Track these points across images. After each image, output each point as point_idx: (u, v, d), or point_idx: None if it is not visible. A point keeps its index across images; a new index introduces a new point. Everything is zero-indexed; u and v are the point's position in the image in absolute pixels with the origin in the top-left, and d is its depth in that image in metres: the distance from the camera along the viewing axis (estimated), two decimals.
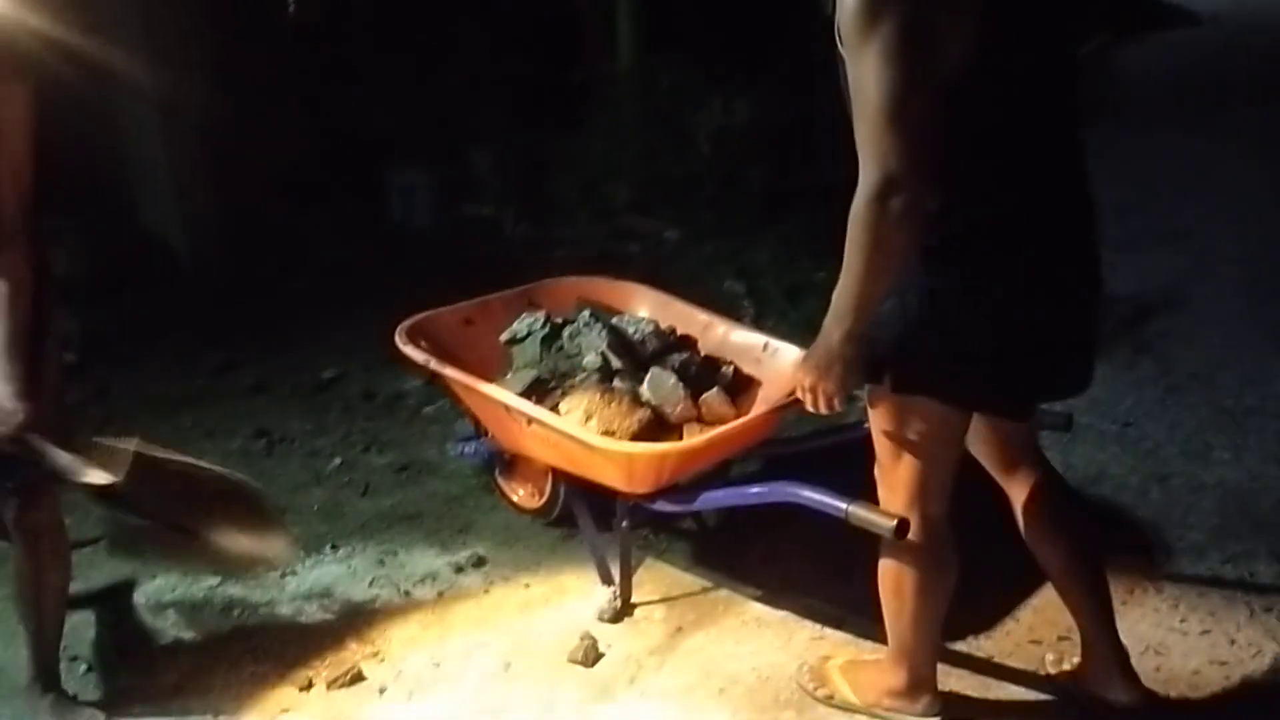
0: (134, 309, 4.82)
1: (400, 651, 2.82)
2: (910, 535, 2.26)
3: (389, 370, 4.14)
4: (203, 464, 2.52)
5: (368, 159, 5.86)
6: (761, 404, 3.05)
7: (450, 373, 3.02)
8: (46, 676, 2.58)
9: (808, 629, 2.86)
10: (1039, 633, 2.76)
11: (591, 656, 2.76)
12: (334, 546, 3.28)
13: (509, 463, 3.38)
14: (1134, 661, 2.65)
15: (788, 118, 5.98)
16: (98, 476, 2.21)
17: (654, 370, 3.10)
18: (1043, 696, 2.58)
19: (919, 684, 2.48)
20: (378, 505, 3.50)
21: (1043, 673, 2.65)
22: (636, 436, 2.84)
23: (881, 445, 2.26)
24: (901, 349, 2.07)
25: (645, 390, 3.03)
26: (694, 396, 3.05)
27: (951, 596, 2.39)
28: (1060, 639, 2.70)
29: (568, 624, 2.90)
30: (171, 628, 2.93)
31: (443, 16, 5.97)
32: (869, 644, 2.74)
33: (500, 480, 3.43)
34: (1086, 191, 2.11)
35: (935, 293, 2.02)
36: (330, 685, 2.70)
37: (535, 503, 3.32)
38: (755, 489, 2.73)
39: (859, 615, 2.82)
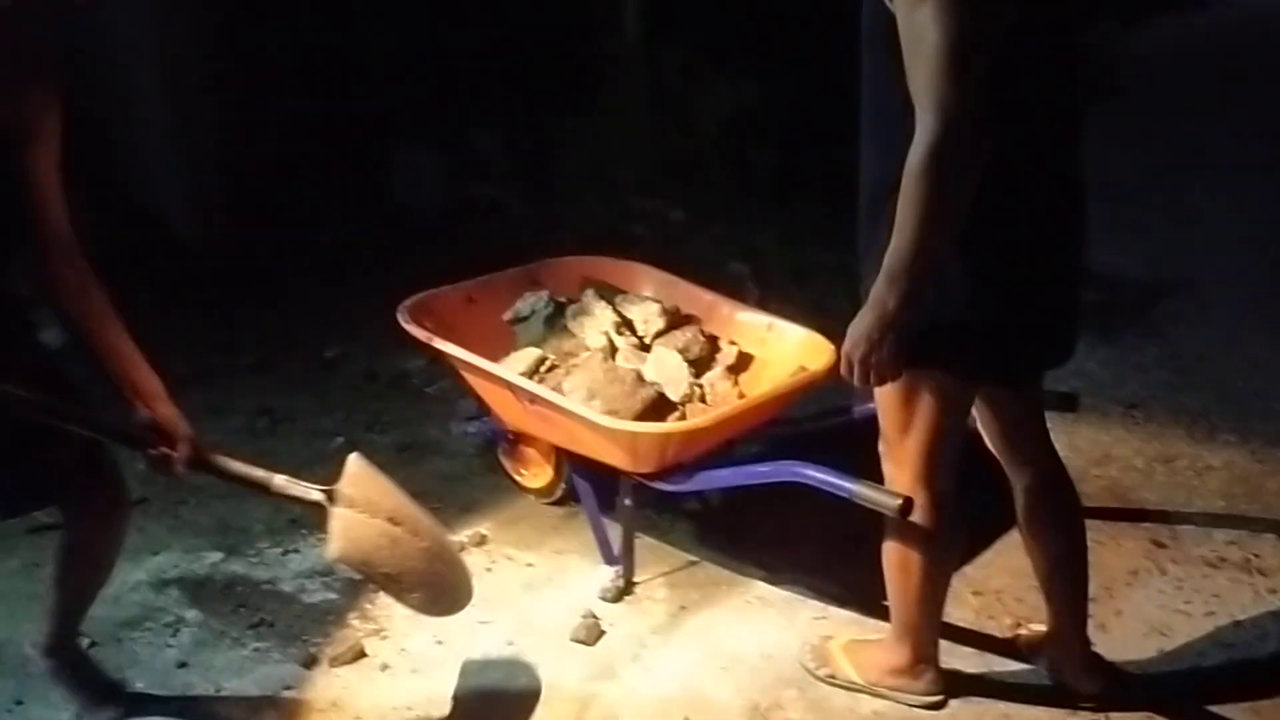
0: (136, 287, 4.80)
1: (403, 629, 2.82)
2: (917, 511, 2.26)
3: (392, 349, 4.13)
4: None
5: (372, 137, 5.84)
6: (766, 384, 3.04)
7: (453, 352, 3.01)
8: (62, 645, 2.54)
9: (810, 608, 2.86)
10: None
11: (594, 635, 2.76)
12: None
13: (512, 442, 3.37)
14: (1137, 643, 2.66)
15: (795, 99, 5.95)
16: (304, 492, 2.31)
17: (658, 350, 3.09)
18: (1044, 678, 2.58)
19: (921, 662, 2.48)
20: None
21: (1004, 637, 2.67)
22: (640, 416, 2.83)
23: (888, 421, 2.25)
24: (910, 324, 2.06)
25: (649, 370, 3.02)
26: (698, 377, 3.04)
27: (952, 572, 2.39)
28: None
29: (571, 603, 2.90)
30: (174, 604, 2.93)
31: None
32: (871, 623, 2.75)
33: (503, 459, 3.43)
34: (1080, 168, 2.10)
35: (944, 265, 2.00)
36: (333, 662, 2.70)
37: (538, 482, 3.31)
38: (759, 469, 2.72)
39: (861, 595, 2.82)
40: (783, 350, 3.11)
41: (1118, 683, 2.51)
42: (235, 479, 2.32)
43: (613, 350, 3.08)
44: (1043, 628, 2.59)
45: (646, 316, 3.18)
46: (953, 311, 2.04)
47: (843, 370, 2.07)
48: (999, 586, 2.90)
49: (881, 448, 2.31)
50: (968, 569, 2.59)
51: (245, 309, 4.73)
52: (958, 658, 2.63)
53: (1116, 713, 2.48)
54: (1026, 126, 1.95)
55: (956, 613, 2.63)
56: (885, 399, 2.21)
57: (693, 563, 3.06)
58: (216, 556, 3.11)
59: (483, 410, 3.32)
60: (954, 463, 2.28)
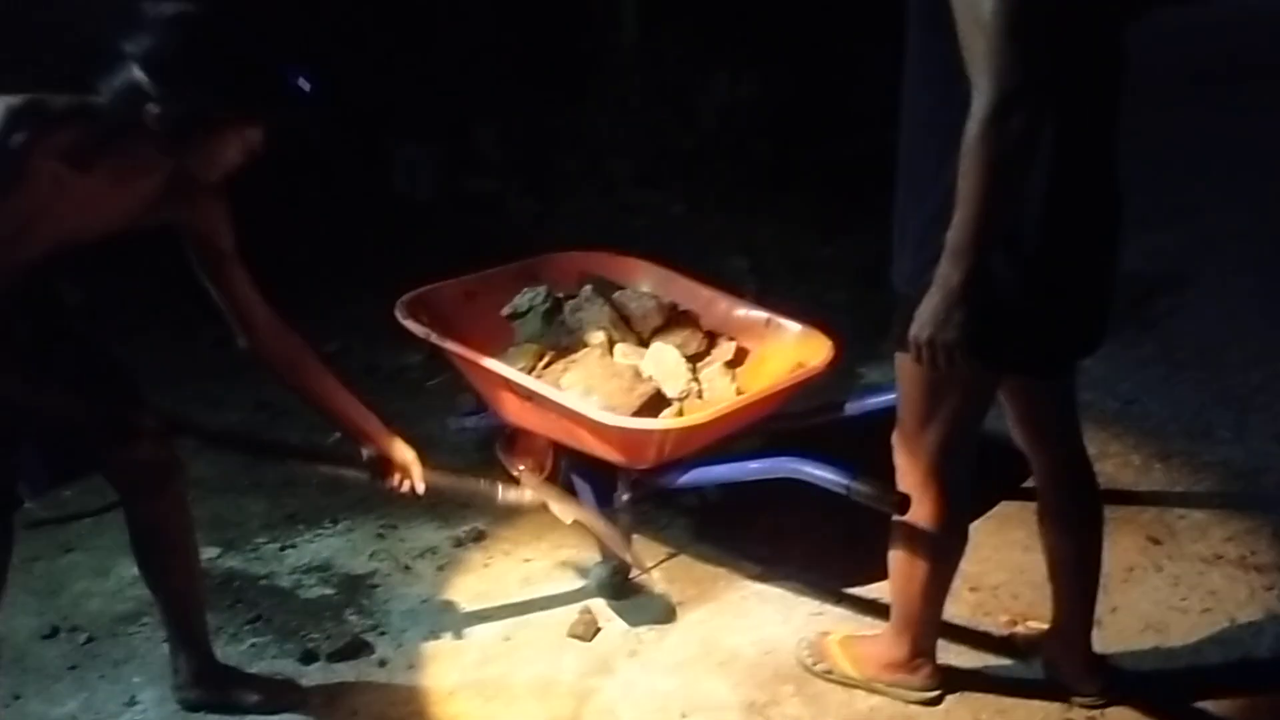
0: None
1: (400, 624, 2.83)
2: (927, 504, 2.26)
3: (391, 344, 4.13)
4: None
5: (370, 131, 5.83)
6: (764, 380, 3.04)
7: (452, 347, 3.01)
8: (200, 665, 2.53)
9: (807, 604, 2.86)
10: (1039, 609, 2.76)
11: (591, 631, 2.76)
12: (334, 520, 3.28)
13: (510, 437, 3.37)
14: (1134, 639, 2.67)
15: (794, 92, 5.95)
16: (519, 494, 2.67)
17: (656, 345, 3.09)
18: (1041, 675, 2.58)
19: (919, 657, 2.48)
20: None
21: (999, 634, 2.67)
22: (638, 412, 2.83)
23: (910, 411, 2.23)
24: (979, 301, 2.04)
25: (647, 365, 3.02)
26: (696, 372, 3.04)
27: (956, 566, 2.39)
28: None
29: (568, 598, 2.90)
30: None
31: None
32: (868, 619, 2.75)
33: (501, 455, 3.42)
34: (1117, 160, 2.09)
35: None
36: (330, 657, 2.71)
37: (537, 477, 3.31)
38: (756, 464, 2.72)
39: (859, 591, 2.83)
40: (781, 346, 3.10)
41: (1115, 682, 2.51)
42: (460, 491, 2.69)
43: (611, 346, 3.08)
44: (1042, 625, 2.60)
45: (645, 312, 3.17)
46: (992, 304, 2.02)
47: (913, 355, 2.03)
48: (995, 583, 2.91)
49: (896, 438, 2.30)
50: (965, 565, 2.58)
51: None
52: (954, 654, 2.63)
53: (1112, 709, 2.48)
54: (1071, 113, 1.94)
55: (953, 609, 2.63)
56: (911, 389, 2.20)
57: (690, 558, 3.06)
58: (214, 552, 3.11)
59: (481, 405, 3.32)
60: (969, 457, 2.28)
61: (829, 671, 2.59)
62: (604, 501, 3.00)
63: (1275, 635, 2.71)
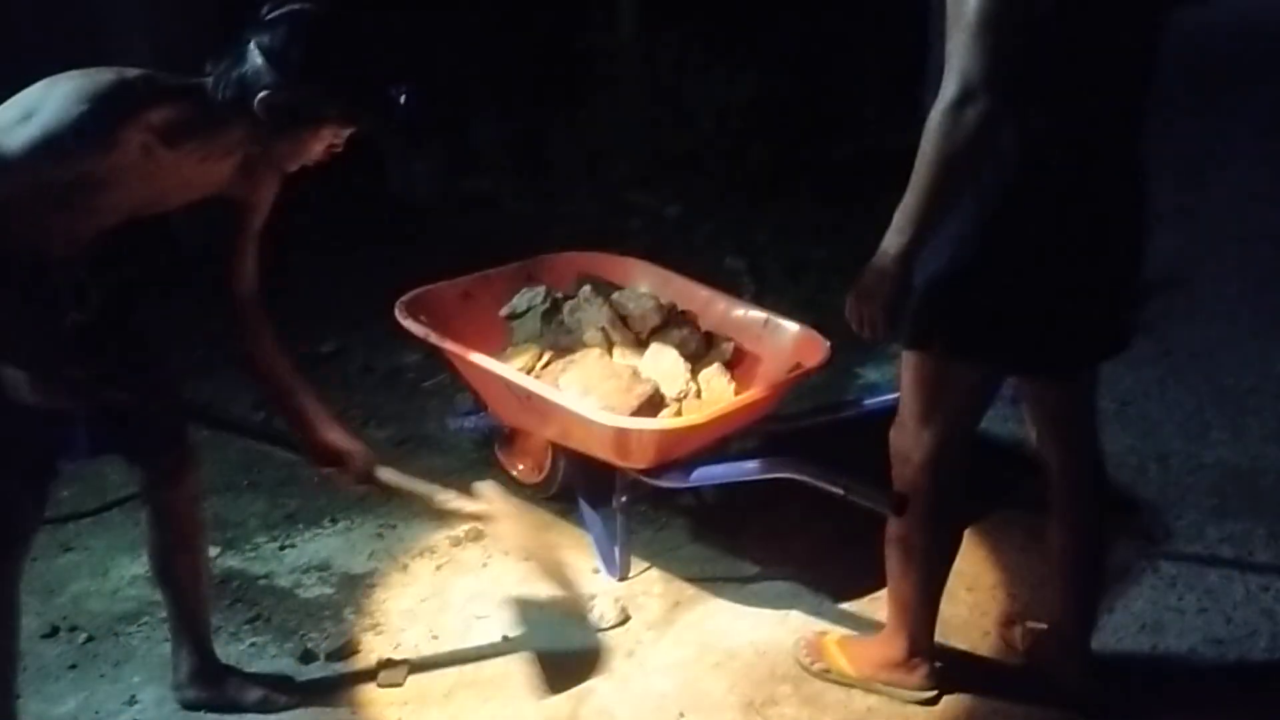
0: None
1: (399, 624, 2.83)
2: (921, 500, 2.26)
3: (388, 344, 4.14)
4: None
5: (378, 143, 5.83)
6: (762, 380, 3.05)
7: (450, 347, 3.02)
8: (200, 663, 2.55)
9: (805, 604, 2.87)
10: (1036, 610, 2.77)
11: (402, 676, 2.67)
12: (333, 519, 3.28)
13: (508, 437, 3.38)
14: (1130, 640, 2.68)
15: (791, 93, 5.95)
16: (465, 504, 2.49)
17: (654, 346, 3.10)
18: (1038, 675, 2.59)
19: (916, 656, 2.49)
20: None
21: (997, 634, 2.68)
22: (636, 412, 2.84)
23: (911, 406, 2.25)
24: (953, 313, 2.06)
25: (645, 366, 3.03)
26: (694, 372, 3.05)
27: (951, 564, 2.40)
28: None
29: (565, 598, 2.91)
30: None
31: None
32: (866, 618, 2.76)
33: (500, 455, 3.43)
34: (1141, 163, 2.10)
35: (990, 253, 2.02)
36: (329, 657, 2.71)
37: (534, 477, 3.32)
38: (754, 464, 2.73)
39: (856, 591, 2.83)
40: (778, 346, 3.11)
41: (1111, 682, 2.52)
42: (404, 493, 2.56)
43: (609, 346, 3.09)
44: (1041, 625, 2.60)
45: (643, 312, 3.18)
46: (990, 299, 2.05)
47: (846, 317, 2.09)
48: (993, 583, 2.91)
49: (893, 433, 2.31)
50: (962, 565, 2.59)
51: None
52: (951, 654, 2.64)
53: (1109, 709, 2.49)
54: (1073, 112, 1.96)
55: (950, 609, 2.64)
56: (913, 385, 2.22)
57: (687, 558, 3.07)
58: (213, 551, 3.10)
59: (479, 405, 3.33)
60: (965, 456, 2.29)
61: (826, 671, 2.60)
62: (602, 501, 3.01)
63: (1271, 636, 2.72)
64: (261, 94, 1.93)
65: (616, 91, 6.00)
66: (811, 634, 2.70)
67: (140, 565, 3.06)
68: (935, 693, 2.52)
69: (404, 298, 3.18)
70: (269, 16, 1.95)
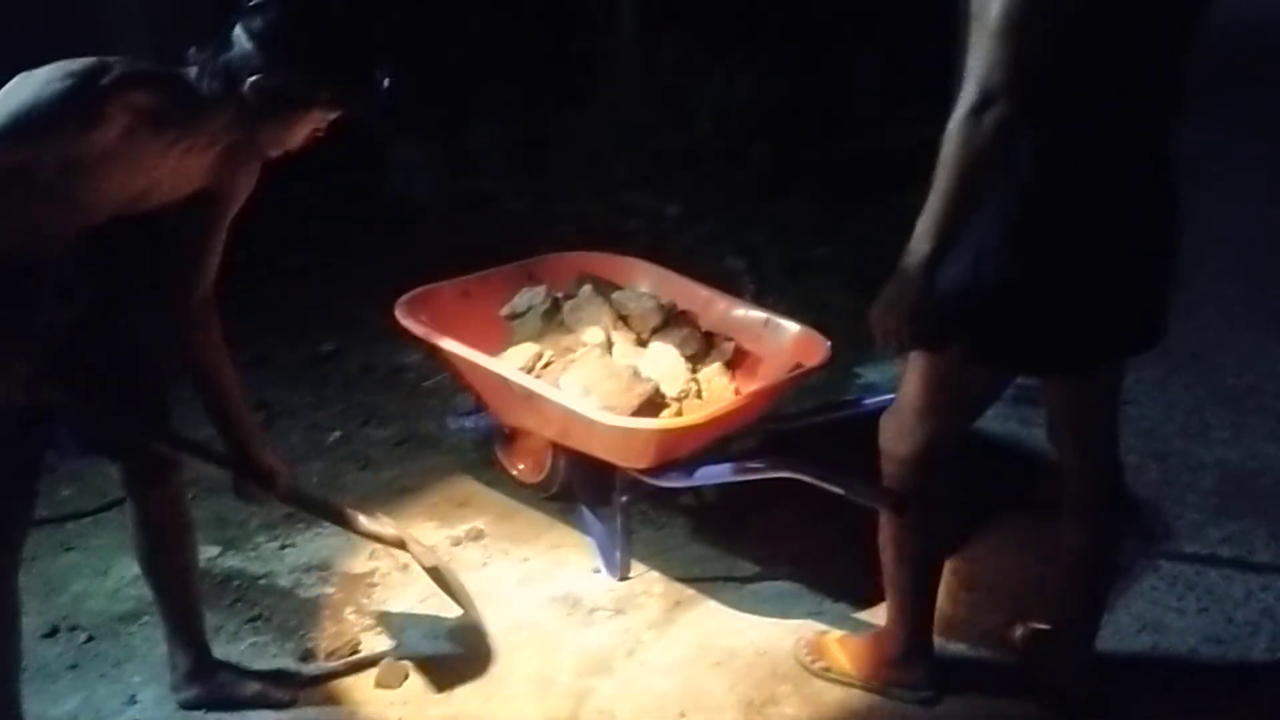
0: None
1: (399, 624, 2.83)
2: (914, 494, 2.26)
3: (388, 344, 4.13)
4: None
5: (366, 131, 5.83)
6: (762, 380, 3.05)
7: (450, 347, 3.01)
8: (196, 662, 2.55)
9: (805, 603, 2.87)
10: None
11: (400, 678, 2.67)
12: None
13: (508, 437, 3.38)
14: (1130, 639, 2.68)
15: (791, 93, 5.95)
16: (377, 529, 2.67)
17: (654, 345, 3.10)
18: (1038, 675, 2.58)
19: (916, 654, 2.49)
20: (377, 478, 3.51)
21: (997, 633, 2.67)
22: (636, 412, 2.84)
23: (911, 404, 2.24)
24: (974, 316, 2.05)
25: (646, 366, 3.03)
26: (694, 372, 3.05)
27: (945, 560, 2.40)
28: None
29: (565, 598, 2.91)
30: None
31: None
32: (866, 617, 2.76)
33: (500, 454, 3.43)
34: (1169, 169, 2.09)
35: (1014, 256, 2.00)
36: (329, 656, 2.71)
37: (534, 477, 3.32)
38: (754, 464, 2.73)
39: (856, 590, 2.83)
40: (779, 346, 3.11)
41: (1111, 682, 2.52)
42: (321, 514, 2.75)
43: (609, 346, 3.09)
44: (1040, 625, 2.60)
45: (643, 312, 3.18)
46: (1013, 303, 2.04)
47: (870, 329, 2.07)
48: (993, 582, 2.90)
49: (885, 420, 2.31)
50: (962, 565, 2.60)
51: (241, 303, 4.70)
52: (952, 653, 2.64)
53: (1109, 710, 2.49)
54: (1107, 117, 1.95)
55: (950, 609, 2.64)
56: (921, 381, 2.20)
57: (688, 558, 3.07)
58: (214, 551, 3.11)
59: (479, 405, 3.33)
60: (956, 452, 2.29)
61: (826, 670, 2.60)
62: (602, 501, 3.01)
63: (1272, 635, 2.72)
64: (252, 77, 1.93)
65: (617, 91, 6.00)
66: (812, 633, 2.70)
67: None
68: (935, 692, 2.52)
69: (404, 297, 3.18)
70: (255, 1, 1.96)
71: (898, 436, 2.28)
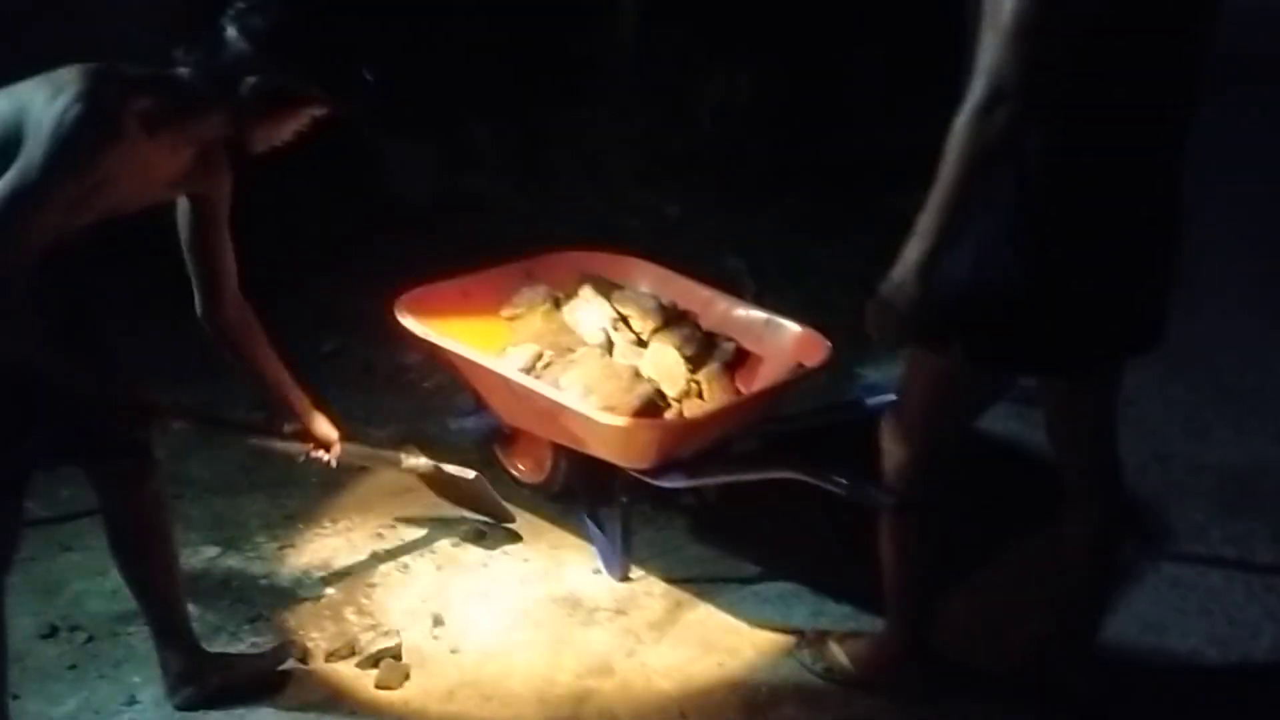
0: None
1: (399, 624, 2.82)
2: (915, 494, 2.26)
3: (389, 344, 4.12)
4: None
5: (365, 130, 5.82)
6: (762, 380, 3.04)
7: (450, 347, 3.01)
8: (187, 661, 2.53)
9: (806, 603, 2.86)
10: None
11: (400, 678, 2.66)
12: (333, 519, 3.27)
13: (509, 437, 3.37)
14: (1132, 640, 2.67)
15: (791, 92, 5.95)
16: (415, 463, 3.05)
17: (655, 345, 3.09)
18: (1040, 675, 2.58)
19: (916, 654, 2.49)
20: (377, 479, 3.49)
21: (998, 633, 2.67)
22: (637, 412, 2.84)
23: (911, 405, 2.24)
24: (978, 316, 2.04)
25: (646, 366, 3.02)
26: (694, 372, 3.04)
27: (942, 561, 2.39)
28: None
29: (566, 598, 2.91)
30: None
31: None
32: (866, 618, 2.75)
33: (500, 455, 3.43)
34: (1175, 174, 2.08)
35: (1018, 257, 2.00)
36: (329, 657, 2.70)
37: (535, 477, 3.31)
38: (755, 464, 2.73)
39: (857, 590, 2.83)
40: (779, 346, 3.11)
41: (1114, 683, 2.52)
42: (372, 460, 3.13)
43: (609, 346, 3.09)
44: (1044, 626, 2.59)
45: (644, 312, 3.18)
46: (1016, 304, 2.03)
47: (866, 321, 2.06)
48: (994, 583, 2.91)
49: (886, 421, 2.30)
50: (964, 567, 2.59)
51: None
52: (953, 654, 2.63)
53: (1111, 711, 2.49)
54: (1116, 118, 1.94)
55: (951, 610, 2.63)
56: (921, 382, 2.21)
57: (688, 558, 3.07)
58: (213, 551, 3.11)
59: (479, 405, 3.32)
60: (954, 452, 2.28)
61: (828, 671, 2.59)
62: (603, 502, 3.01)
63: (1274, 636, 2.72)
64: (250, 78, 1.95)
65: (616, 90, 5.99)
66: (813, 633, 2.69)
67: None
68: (936, 692, 2.52)
69: (404, 297, 3.18)
70: (250, 2, 1.98)
71: (899, 437, 2.28)
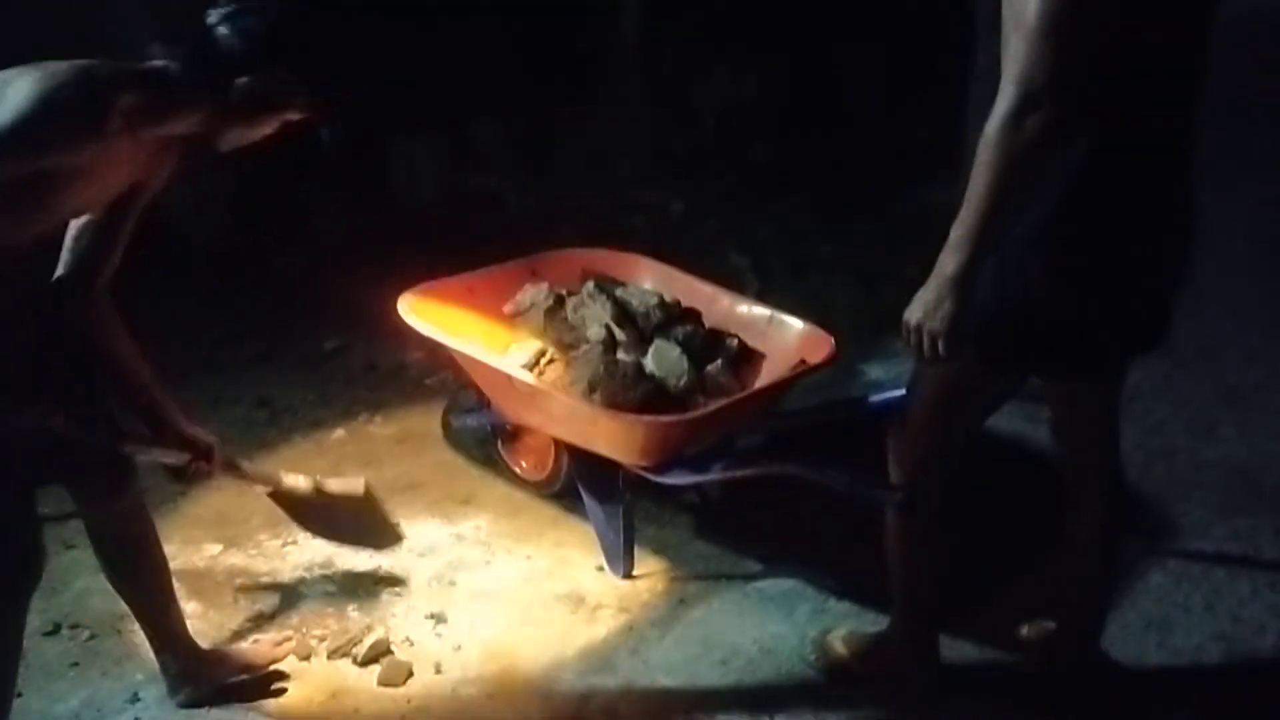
0: (133, 277, 4.79)
1: (403, 622, 2.82)
2: (923, 494, 2.25)
3: (392, 341, 4.13)
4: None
5: (370, 128, 5.82)
6: (766, 377, 3.04)
7: (453, 344, 3.01)
8: (185, 661, 2.53)
9: (810, 601, 2.86)
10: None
11: (403, 675, 2.66)
12: None
13: (512, 434, 3.37)
14: (1136, 637, 2.67)
15: (794, 91, 5.95)
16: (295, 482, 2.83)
17: (658, 342, 3.08)
18: (1045, 673, 2.57)
19: (921, 653, 2.48)
20: (380, 476, 3.49)
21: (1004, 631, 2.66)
22: (640, 409, 2.83)
23: (922, 406, 2.22)
24: (993, 319, 2.00)
25: (649, 362, 3.02)
26: (698, 369, 3.04)
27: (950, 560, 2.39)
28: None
29: (569, 596, 2.90)
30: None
31: None
32: (871, 616, 2.75)
33: (503, 452, 3.42)
34: (1189, 171, 2.05)
35: (1034, 259, 1.97)
36: (331, 655, 2.70)
37: (538, 475, 3.31)
38: (758, 462, 2.72)
39: (861, 588, 2.82)
40: (783, 343, 3.10)
41: (1118, 680, 2.51)
42: (252, 480, 2.81)
43: (613, 343, 3.08)
44: (1049, 624, 2.59)
45: (647, 309, 3.17)
46: (1033, 306, 2.00)
47: (903, 339, 2.01)
48: (999, 581, 2.90)
49: (898, 429, 2.29)
50: (969, 564, 2.58)
51: (244, 300, 4.72)
52: (958, 651, 2.63)
53: (1116, 708, 2.48)
54: (1140, 117, 1.92)
55: (955, 606, 2.62)
56: (933, 384, 2.17)
57: (692, 556, 3.06)
58: (215, 549, 3.11)
59: (483, 402, 3.32)
60: (964, 453, 2.28)
61: (831, 669, 2.59)
62: (606, 499, 3.00)
63: (1278, 633, 2.71)
64: (241, 78, 1.92)
65: (621, 88, 5.99)
66: (817, 631, 2.69)
67: None
68: (942, 690, 2.51)
69: (407, 294, 3.17)
70: (241, 1, 1.95)
71: (907, 437, 2.27)
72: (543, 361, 3.06)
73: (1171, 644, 2.68)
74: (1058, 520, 2.43)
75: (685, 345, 3.06)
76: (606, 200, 5.63)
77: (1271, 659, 2.65)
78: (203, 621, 2.82)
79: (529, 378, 2.90)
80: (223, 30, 1.92)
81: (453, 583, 2.98)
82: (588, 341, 3.09)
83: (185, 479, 2.45)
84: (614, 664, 2.67)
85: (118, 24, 4.63)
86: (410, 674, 2.64)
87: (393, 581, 2.98)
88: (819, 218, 5.29)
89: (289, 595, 2.94)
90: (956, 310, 1.90)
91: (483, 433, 3.49)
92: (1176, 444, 3.53)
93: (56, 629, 2.81)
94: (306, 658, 2.70)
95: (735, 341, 3.16)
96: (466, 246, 3.72)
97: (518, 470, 3.38)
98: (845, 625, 2.72)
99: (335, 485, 3.00)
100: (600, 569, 3.01)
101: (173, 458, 2.37)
